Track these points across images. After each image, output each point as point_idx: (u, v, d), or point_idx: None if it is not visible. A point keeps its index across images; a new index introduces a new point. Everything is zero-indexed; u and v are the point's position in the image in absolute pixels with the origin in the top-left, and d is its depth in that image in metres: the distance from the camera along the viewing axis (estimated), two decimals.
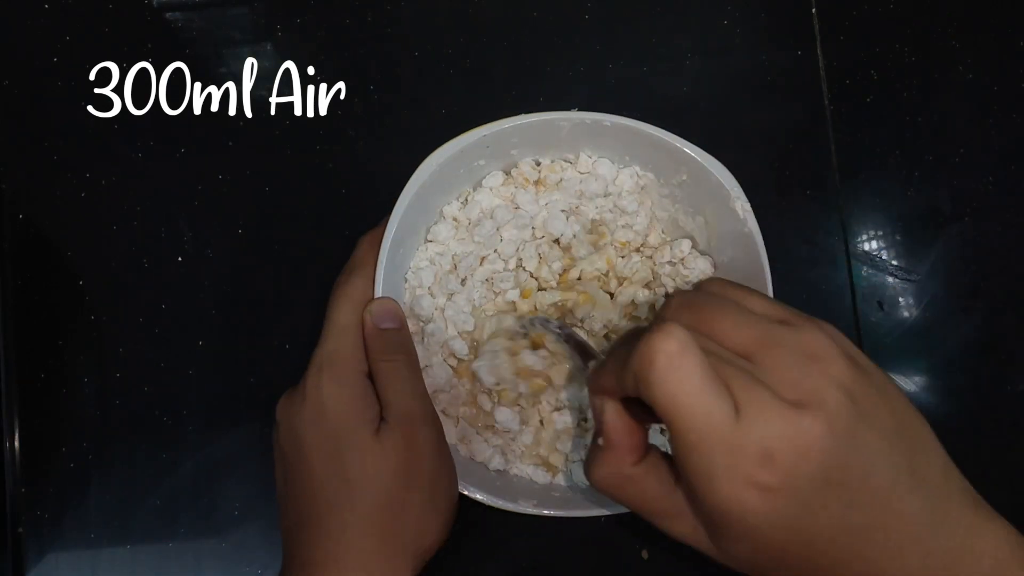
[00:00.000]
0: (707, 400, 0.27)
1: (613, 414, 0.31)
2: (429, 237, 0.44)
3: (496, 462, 0.42)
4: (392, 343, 0.38)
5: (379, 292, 0.40)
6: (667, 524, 0.31)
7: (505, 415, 0.42)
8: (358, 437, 0.36)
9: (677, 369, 0.27)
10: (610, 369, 0.31)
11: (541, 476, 0.42)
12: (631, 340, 0.29)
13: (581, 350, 0.38)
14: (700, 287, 0.33)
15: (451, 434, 0.42)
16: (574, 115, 0.41)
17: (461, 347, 0.42)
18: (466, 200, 0.44)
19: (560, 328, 0.40)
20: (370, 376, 0.38)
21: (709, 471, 0.28)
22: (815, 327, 0.30)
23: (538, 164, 0.44)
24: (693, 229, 0.44)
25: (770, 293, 0.40)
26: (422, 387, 0.39)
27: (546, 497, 0.41)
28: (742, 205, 0.41)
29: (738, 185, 0.41)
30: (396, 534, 0.36)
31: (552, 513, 0.40)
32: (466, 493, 0.40)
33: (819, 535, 0.28)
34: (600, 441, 0.32)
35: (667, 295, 0.33)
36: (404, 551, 0.36)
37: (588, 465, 0.32)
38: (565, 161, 0.44)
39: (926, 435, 0.30)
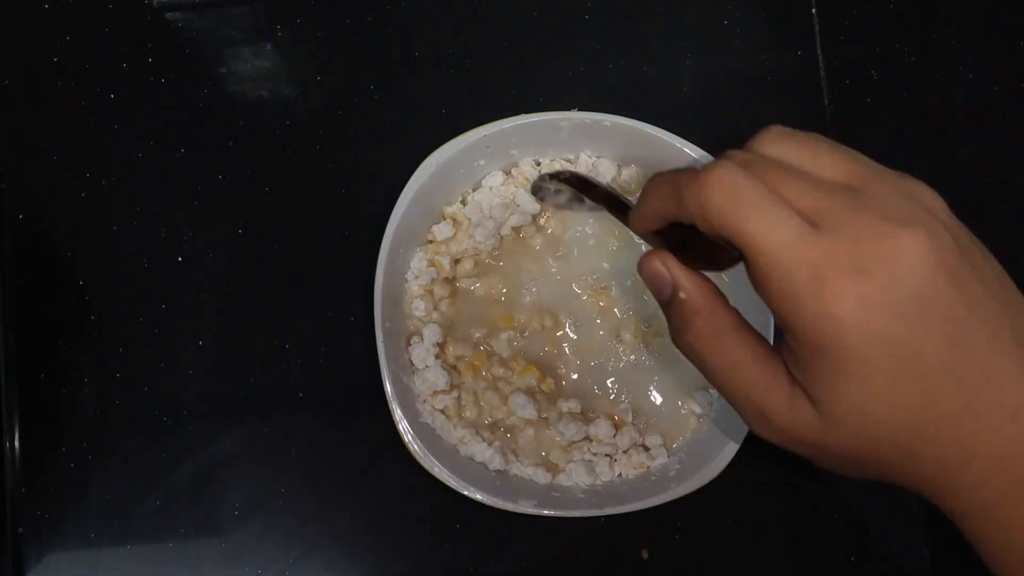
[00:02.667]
0: (775, 215, 0.26)
1: (683, 273, 0.30)
2: (429, 237, 0.44)
3: (496, 462, 0.42)
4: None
5: (378, 292, 0.40)
6: (760, 402, 0.29)
7: (521, 400, 0.42)
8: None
9: (739, 190, 0.27)
10: (660, 200, 0.29)
11: (541, 476, 0.42)
12: (672, 177, 0.29)
13: (607, 200, 0.35)
14: (756, 145, 0.30)
15: (451, 435, 0.42)
16: (574, 115, 0.41)
17: (462, 352, 0.42)
18: (465, 201, 0.44)
19: (571, 178, 0.37)
20: None
21: (793, 292, 0.26)
22: (923, 182, 0.29)
23: (538, 164, 0.44)
24: None
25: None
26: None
27: (546, 497, 0.41)
28: None
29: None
30: None
31: (552, 513, 0.40)
32: (466, 493, 0.40)
33: (929, 371, 0.27)
34: (682, 295, 0.30)
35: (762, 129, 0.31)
36: None
37: (676, 333, 0.31)
38: (566, 160, 0.44)
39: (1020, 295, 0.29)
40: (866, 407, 0.27)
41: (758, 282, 0.27)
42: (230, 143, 0.47)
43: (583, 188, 0.36)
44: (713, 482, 0.40)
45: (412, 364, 0.43)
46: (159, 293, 0.46)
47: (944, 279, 0.26)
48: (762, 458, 0.44)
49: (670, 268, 0.30)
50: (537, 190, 0.38)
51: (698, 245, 0.29)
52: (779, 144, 0.29)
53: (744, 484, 0.44)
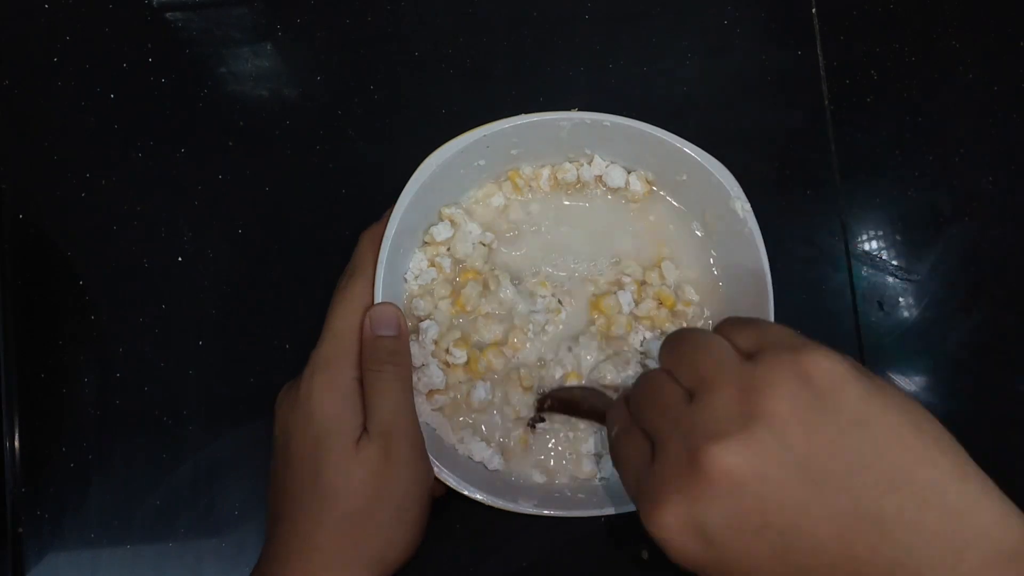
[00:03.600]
0: (628, 450, 0.31)
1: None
2: (426, 239, 0.44)
3: (496, 462, 0.42)
4: (386, 352, 0.39)
5: (379, 292, 0.40)
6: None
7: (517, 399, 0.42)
8: (338, 445, 0.37)
9: (614, 447, 0.33)
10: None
11: (541, 476, 0.42)
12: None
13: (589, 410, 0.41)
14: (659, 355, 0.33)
15: (449, 435, 0.42)
16: (574, 115, 0.41)
17: (460, 355, 0.42)
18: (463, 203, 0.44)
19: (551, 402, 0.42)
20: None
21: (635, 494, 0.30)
22: (777, 360, 0.27)
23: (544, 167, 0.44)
24: (693, 228, 0.44)
25: (770, 292, 0.40)
26: (408, 401, 0.39)
27: (546, 497, 0.41)
28: (742, 205, 0.41)
29: (738, 185, 0.41)
30: (361, 543, 0.36)
31: (552, 513, 0.40)
32: (466, 493, 0.39)
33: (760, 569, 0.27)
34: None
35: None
36: (369, 561, 0.37)
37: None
38: (568, 162, 0.44)
39: (923, 447, 0.26)
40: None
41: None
42: (230, 143, 0.47)
43: (567, 409, 0.41)
44: None
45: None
46: (159, 293, 0.46)
47: (760, 493, 0.26)
48: None
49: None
50: (537, 421, 0.42)
51: None
52: (663, 354, 0.32)
53: None
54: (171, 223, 0.47)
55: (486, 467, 0.42)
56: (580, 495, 0.41)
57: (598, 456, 0.42)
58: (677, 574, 0.45)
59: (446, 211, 0.44)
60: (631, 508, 0.40)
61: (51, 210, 0.47)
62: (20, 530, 0.44)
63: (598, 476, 0.42)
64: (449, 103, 0.48)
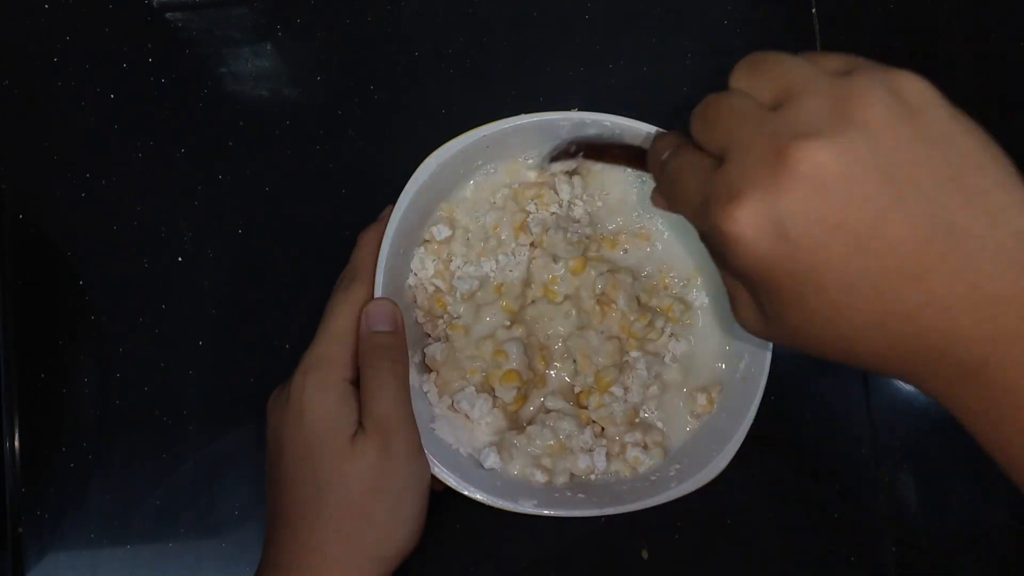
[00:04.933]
0: (688, 173, 0.29)
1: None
2: (427, 237, 0.44)
3: (495, 462, 0.42)
4: (382, 348, 0.39)
5: (379, 290, 0.40)
6: (734, 296, 0.32)
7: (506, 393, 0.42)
8: (332, 443, 0.37)
9: (664, 168, 0.31)
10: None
11: (541, 476, 0.42)
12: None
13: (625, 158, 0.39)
14: (730, 79, 0.32)
15: (450, 434, 0.42)
16: (574, 115, 0.41)
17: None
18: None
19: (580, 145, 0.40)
20: (357, 382, 0.38)
21: (707, 230, 0.28)
22: (870, 76, 0.28)
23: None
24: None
25: None
26: (404, 395, 0.39)
27: (546, 497, 0.41)
28: None
29: None
30: (361, 541, 0.36)
31: (552, 513, 0.40)
32: (466, 493, 0.40)
33: (827, 280, 0.27)
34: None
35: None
36: (369, 558, 0.37)
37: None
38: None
39: (991, 177, 0.28)
40: (785, 315, 0.29)
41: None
42: (230, 143, 0.47)
43: (597, 155, 0.40)
44: (713, 482, 0.40)
45: (425, 365, 0.43)
46: (159, 293, 0.46)
47: (841, 191, 0.26)
48: (762, 458, 0.44)
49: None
50: (553, 160, 0.41)
51: None
52: (738, 74, 0.30)
53: (744, 484, 0.44)
54: (171, 223, 0.47)
55: (487, 468, 0.42)
56: (580, 495, 0.41)
57: (590, 451, 0.42)
58: (677, 574, 0.45)
59: (444, 210, 0.44)
60: (631, 508, 0.40)
61: (51, 210, 0.47)
62: (20, 530, 0.44)
63: (594, 473, 0.42)
64: (449, 103, 0.48)
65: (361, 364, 0.38)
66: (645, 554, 0.45)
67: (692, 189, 0.30)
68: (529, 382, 0.43)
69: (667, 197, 0.32)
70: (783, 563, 0.45)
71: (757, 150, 0.27)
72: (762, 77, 0.29)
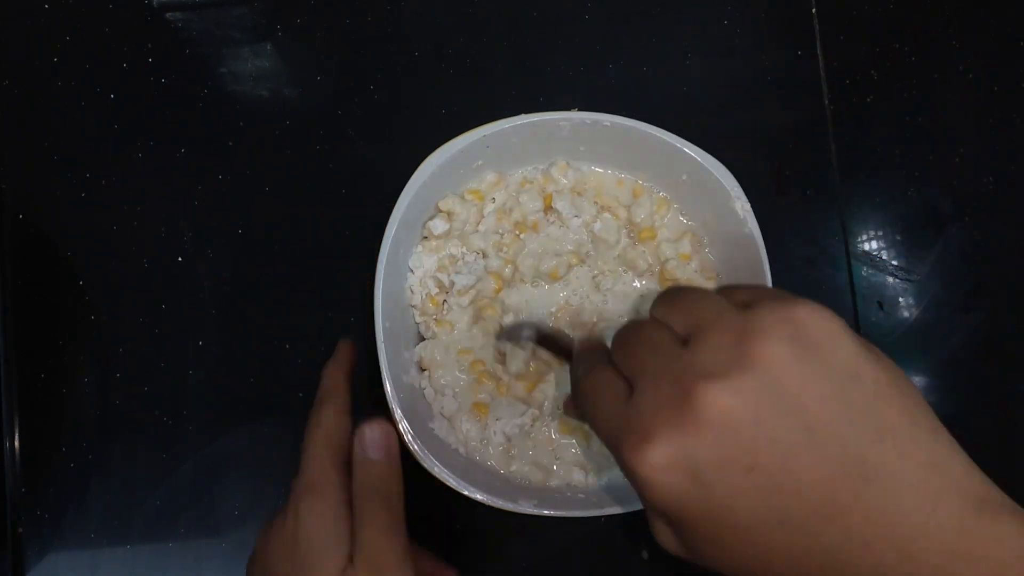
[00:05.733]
0: (603, 399, 0.30)
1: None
2: (424, 233, 0.44)
3: (494, 462, 0.42)
4: (374, 478, 0.37)
5: (378, 294, 0.40)
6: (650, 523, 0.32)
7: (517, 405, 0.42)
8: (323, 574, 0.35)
9: (591, 388, 0.31)
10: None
11: (540, 476, 0.42)
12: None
13: (554, 347, 0.41)
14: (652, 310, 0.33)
15: (451, 434, 0.42)
16: (574, 115, 0.41)
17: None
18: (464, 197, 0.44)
19: (529, 331, 0.42)
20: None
21: (619, 461, 0.29)
22: (772, 310, 0.28)
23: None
24: (694, 229, 0.44)
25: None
26: (397, 526, 0.37)
27: (546, 497, 0.41)
28: (742, 205, 0.41)
29: (738, 185, 0.41)
30: None
31: (552, 513, 0.40)
32: (466, 493, 0.40)
33: (744, 521, 0.27)
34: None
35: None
36: None
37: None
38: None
39: (905, 417, 0.27)
40: (701, 548, 0.29)
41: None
42: (230, 143, 0.47)
43: (547, 344, 0.42)
44: None
45: (421, 364, 0.43)
46: (159, 293, 0.46)
47: (750, 433, 0.26)
48: None
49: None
50: (507, 337, 0.42)
51: None
52: (657, 305, 0.32)
53: None
54: (171, 223, 0.47)
55: (487, 468, 0.42)
56: (580, 495, 0.41)
57: (583, 468, 0.42)
58: (677, 574, 0.45)
59: (441, 204, 0.44)
60: (631, 508, 0.40)
61: (51, 210, 0.47)
62: (20, 530, 0.44)
63: (599, 481, 0.42)
64: (449, 103, 0.48)
65: (354, 491, 0.37)
66: (645, 554, 0.44)
67: (604, 412, 0.30)
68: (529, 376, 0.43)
69: (580, 411, 0.32)
70: None
71: (666, 388, 0.28)
72: (676, 309, 0.30)
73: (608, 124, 0.41)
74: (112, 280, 0.46)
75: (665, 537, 0.30)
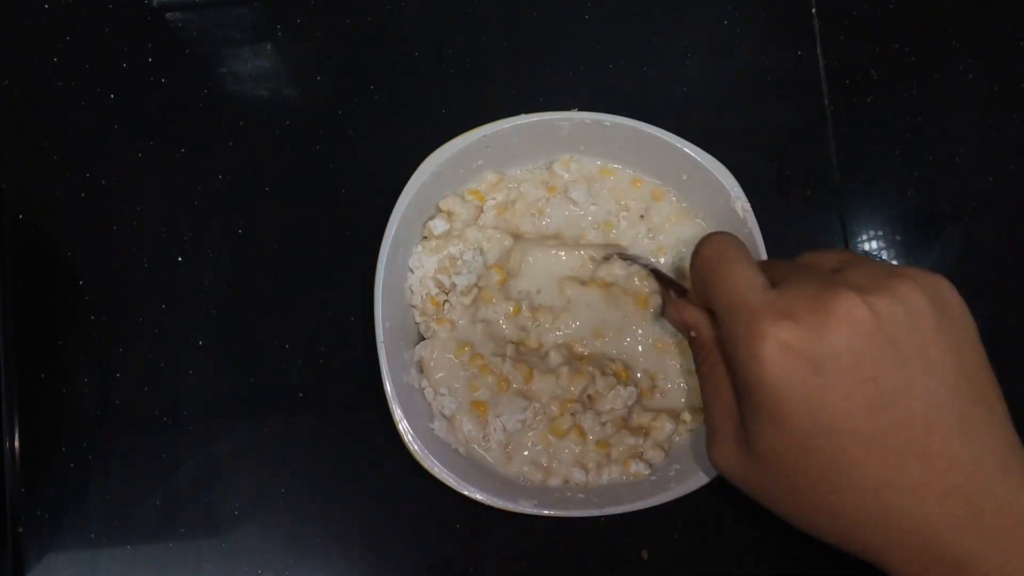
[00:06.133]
0: (742, 272, 0.30)
1: (695, 316, 0.35)
2: (424, 233, 0.44)
3: (494, 461, 0.42)
4: None
5: (378, 293, 0.40)
6: (718, 427, 0.33)
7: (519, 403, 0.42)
8: None
9: (723, 248, 0.32)
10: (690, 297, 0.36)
11: (540, 476, 0.42)
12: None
13: (664, 280, 0.42)
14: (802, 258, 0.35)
15: (450, 435, 0.42)
16: (574, 115, 0.41)
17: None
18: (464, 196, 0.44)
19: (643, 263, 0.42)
20: None
21: (733, 332, 0.29)
22: (916, 279, 0.30)
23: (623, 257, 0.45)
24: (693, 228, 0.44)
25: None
26: None
27: (546, 497, 0.41)
28: (742, 205, 0.41)
29: (738, 185, 0.41)
30: None
31: (552, 513, 0.40)
32: (466, 493, 0.40)
33: (843, 432, 0.28)
34: (692, 334, 0.35)
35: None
36: None
37: (695, 361, 0.36)
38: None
39: (994, 398, 0.30)
40: (778, 450, 0.29)
41: (720, 326, 0.31)
42: (230, 143, 0.47)
43: (659, 277, 0.42)
44: (713, 482, 0.40)
45: (421, 363, 0.43)
46: (159, 293, 0.46)
47: (879, 347, 0.28)
48: None
49: (684, 313, 0.35)
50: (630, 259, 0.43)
51: None
52: (808, 255, 0.34)
53: None
54: (171, 223, 0.47)
55: (487, 467, 0.42)
56: (580, 495, 0.41)
57: (583, 467, 0.42)
58: (677, 574, 0.45)
59: (442, 204, 0.44)
60: (631, 508, 0.40)
61: (51, 210, 0.47)
62: (20, 530, 0.44)
63: (600, 480, 0.42)
64: (449, 103, 0.48)
65: None
66: (645, 554, 0.44)
67: (738, 283, 0.31)
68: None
69: (708, 285, 0.32)
70: (784, 563, 0.45)
71: (813, 285, 0.29)
72: (828, 254, 0.33)
73: (608, 124, 0.41)
74: (112, 280, 0.46)
75: (724, 448, 0.32)
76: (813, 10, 0.49)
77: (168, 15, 0.48)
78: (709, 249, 0.33)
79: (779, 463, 0.30)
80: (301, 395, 0.45)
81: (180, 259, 0.46)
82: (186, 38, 0.48)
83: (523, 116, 0.41)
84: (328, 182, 0.47)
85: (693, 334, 0.35)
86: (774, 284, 0.30)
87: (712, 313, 0.33)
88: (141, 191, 0.47)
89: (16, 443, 0.45)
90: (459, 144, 0.41)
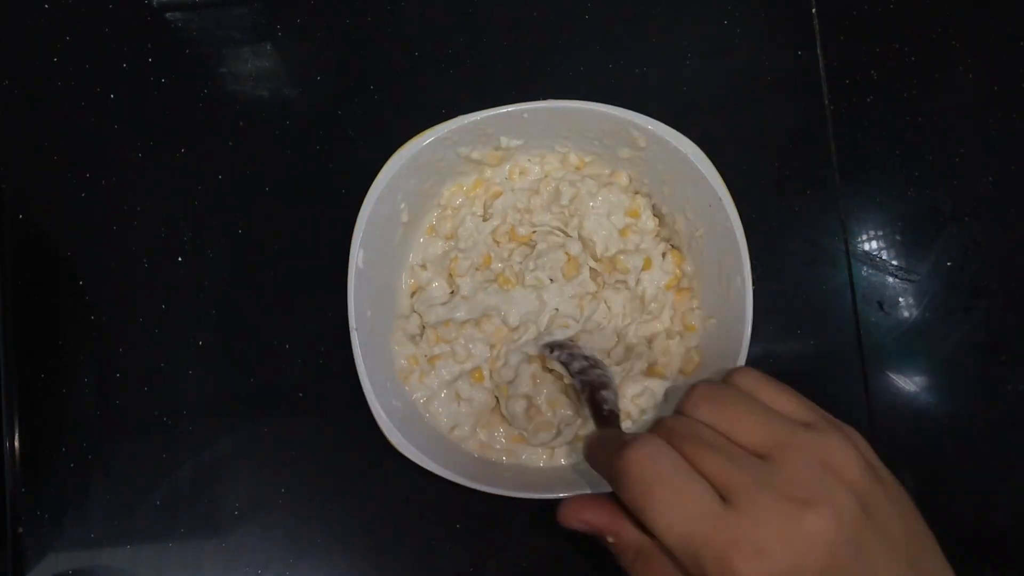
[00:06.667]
0: (690, 497, 0.29)
1: (604, 522, 0.33)
2: (432, 222, 0.44)
3: (498, 455, 0.42)
4: None
5: (351, 296, 0.40)
6: None
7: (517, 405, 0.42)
8: None
9: (652, 475, 0.29)
10: (595, 460, 0.33)
11: (538, 461, 0.42)
12: (607, 441, 0.32)
13: (591, 395, 0.39)
14: (729, 378, 0.34)
15: (432, 423, 0.42)
16: (540, 104, 0.41)
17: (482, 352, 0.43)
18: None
19: (570, 358, 0.41)
20: None
21: (701, 567, 0.28)
22: (839, 433, 0.31)
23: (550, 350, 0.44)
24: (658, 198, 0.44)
25: (745, 258, 0.40)
26: None
27: (529, 481, 0.41)
28: (723, 195, 0.41)
29: (702, 153, 0.41)
30: None
31: (548, 496, 0.39)
32: (449, 478, 0.39)
33: None
34: (610, 540, 0.34)
35: (691, 385, 0.33)
36: None
37: (617, 560, 0.34)
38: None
39: (932, 549, 0.31)
40: None
41: (675, 553, 0.29)
42: (230, 143, 0.47)
43: (588, 387, 0.39)
44: None
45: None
46: (159, 293, 0.46)
47: (845, 552, 0.28)
48: None
49: (589, 521, 0.34)
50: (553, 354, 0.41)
51: None
52: (703, 407, 0.32)
53: None
54: (171, 223, 0.47)
55: (480, 458, 0.42)
56: (574, 475, 0.41)
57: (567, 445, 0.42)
58: None
59: (443, 199, 0.44)
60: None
61: (51, 210, 0.47)
62: (20, 530, 0.44)
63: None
64: (449, 103, 0.48)
65: None
66: None
67: (688, 512, 0.29)
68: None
69: (648, 516, 0.30)
70: None
71: (771, 506, 0.28)
72: (736, 421, 0.31)
73: (557, 108, 0.41)
74: (112, 280, 0.46)
75: None
76: (813, 10, 0.49)
77: (168, 15, 0.48)
78: (637, 469, 0.30)
79: None
80: (301, 395, 0.45)
81: (180, 259, 0.46)
82: (186, 38, 0.48)
83: (487, 110, 0.42)
84: (328, 182, 0.47)
85: (610, 539, 0.33)
86: (721, 487, 0.29)
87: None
88: (141, 191, 0.47)
89: (16, 443, 0.45)
90: (417, 145, 0.41)
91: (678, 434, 0.31)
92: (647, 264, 0.43)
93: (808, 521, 0.28)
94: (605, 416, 0.37)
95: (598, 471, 0.33)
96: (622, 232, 0.44)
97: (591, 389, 0.39)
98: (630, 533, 0.33)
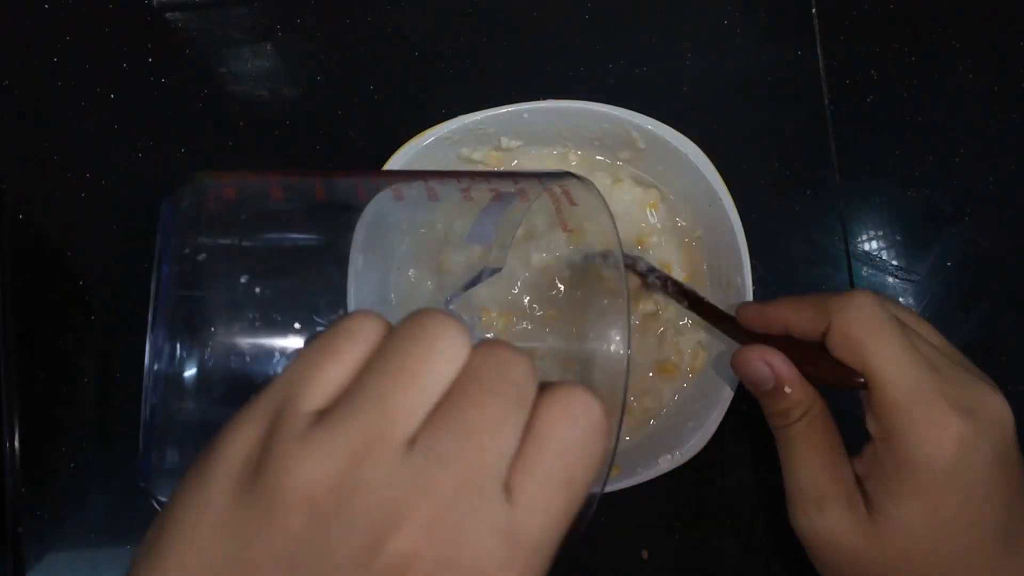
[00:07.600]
0: (906, 348, 0.30)
1: (790, 371, 0.33)
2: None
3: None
4: None
5: (351, 287, 0.40)
6: (823, 491, 0.32)
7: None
8: None
9: (881, 323, 0.31)
10: (796, 313, 0.33)
11: None
12: (816, 298, 0.33)
13: (687, 296, 0.39)
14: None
15: None
16: (538, 105, 0.41)
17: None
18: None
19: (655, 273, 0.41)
20: None
21: (910, 410, 0.30)
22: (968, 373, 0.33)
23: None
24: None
25: (745, 258, 0.40)
26: None
27: None
28: (723, 195, 0.41)
29: (702, 153, 0.41)
30: None
31: None
32: None
33: (984, 524, 0.30)
34: (787, 390, 0.33)
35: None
36: None
37: (776, 417, 0.34)
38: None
39: None
40: (919, 531, 0.30)
41: (876, 403, 0.31)
42: (230, 143, 0.47)
43: (691, 302, 0.39)
44: (714, 482, 0.40)
45: None
46: None
47: (1013, 448, 0.31)
48: (762, 458, 0.44)
49: (774, 366, 0.33)
50: (635, 267, 0.41)
51: (809, 358, 0.33)
52: (888, 305, 0.33)
53: (744, 485, 0.44)
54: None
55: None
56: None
57: None
58: (677, 574, 0.45)
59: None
60: (628, 484, 0.39)
61: (51, 210, 0.47)
62: (20, 530, 0.44)
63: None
64: (449, 103, 0.48)
65: None
66: (645, 554, 0.44)
67: (907, 359, 0.31)
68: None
69: (872, 349, 0.31)
70: (784, 563, 0.45)
71: (971, 382, 0.31)
72: (919, 326, 0.34)
73: (559, 107, 0.41)
74: (112, 280, 0.46)
75: (836, 518, 0.32)
76: (813, 10, 0.49)
77: (168, 15, 0.48)
78: (869, 310, 0.31)
79: (913, 542, 0.30)
80: None
81: None
82: (186, 38, 0.48)
83: (488, 110, 0.42)
84: None
85: (788, 390, 0.33)
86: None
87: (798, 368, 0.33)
88: (141, 191, 0.47)
89: (16, 443, 0.45)
90: (419, 144, 0.41)
91: (889, 305, 0.33)
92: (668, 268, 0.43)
93: (999, 401, 0.31)
94: (709, 305, 0.39)
95: (797, 330, 0.33)
96: (639, 241, 0.44)
97: (683, 292, 0.39)
98: (808, 389, 0.33)
